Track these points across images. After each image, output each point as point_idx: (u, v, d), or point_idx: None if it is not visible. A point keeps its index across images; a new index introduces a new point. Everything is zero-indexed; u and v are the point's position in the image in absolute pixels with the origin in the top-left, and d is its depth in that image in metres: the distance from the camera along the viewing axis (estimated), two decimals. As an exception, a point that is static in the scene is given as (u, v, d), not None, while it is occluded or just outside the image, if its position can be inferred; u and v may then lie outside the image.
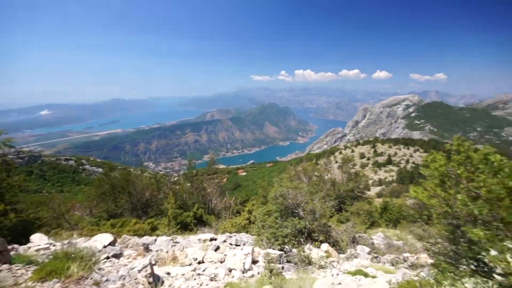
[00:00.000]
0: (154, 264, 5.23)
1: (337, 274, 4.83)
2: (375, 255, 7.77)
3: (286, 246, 7.18)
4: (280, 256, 5.71)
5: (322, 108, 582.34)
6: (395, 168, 59.31)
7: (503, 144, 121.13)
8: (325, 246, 7.53)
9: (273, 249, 6.74)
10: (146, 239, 7.97)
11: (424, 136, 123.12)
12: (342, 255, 7.57)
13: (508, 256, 2.85)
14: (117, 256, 5.58)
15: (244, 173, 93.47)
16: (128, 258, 5.59)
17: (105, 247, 6.08)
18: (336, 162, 46.13)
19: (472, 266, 3.78)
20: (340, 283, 3.88)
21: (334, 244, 8.52)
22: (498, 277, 3.37)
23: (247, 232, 11.08)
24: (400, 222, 16.19)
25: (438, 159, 3.25)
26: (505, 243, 2.81)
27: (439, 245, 4.82)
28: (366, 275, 4.97)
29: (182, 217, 13.39)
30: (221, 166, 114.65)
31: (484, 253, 3.42)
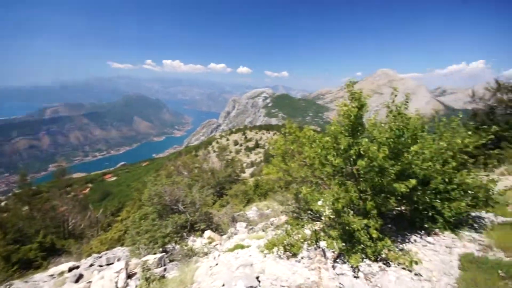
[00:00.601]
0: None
1: (218, 255, 5.19)
2: (251, 227, 8.94)
3: (169, 245, 6.89)
4: (161, 258, 5.41)
5: (195, 99, 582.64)
6: (262, 150, 69.82)
7: (324, 124, 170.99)
8: (207, 233, 7.83)
9: (154, 253, 6.28)
10: None
11: (279, 122, 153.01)
12: (224, 236, 8.18)
13: (326, 204, 4.03)
14: None
15: (114, 178, 79.60)
16: None
17: None
18: (214, 151, 48.26)
19: (309, 216, 5.16)
20: (217, 264, 4.21)
21: (217, 228, 9.05)
22: (324, 219, 4.78)
23: (122, 245, 9.68)
24: (268, 194, 19.37)
25: (279, 141, 4.12)
26: (326, 194, 3.97)
27: (290, 206, 6.21)
28: (242, 247, 5.64)
29: (19, 253, 9.84)
30: (79, 175, 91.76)
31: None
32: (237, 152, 70.79)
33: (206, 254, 6.20)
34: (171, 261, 6.00)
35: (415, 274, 2.97)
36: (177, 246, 6.65)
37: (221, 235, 8.35)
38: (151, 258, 5.20)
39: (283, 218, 9.34)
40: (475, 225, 3.91)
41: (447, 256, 3.28)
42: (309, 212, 5.09)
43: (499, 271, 2.84)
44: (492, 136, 3.80)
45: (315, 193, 3.39)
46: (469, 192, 3.50)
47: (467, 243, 3.52)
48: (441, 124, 4.01)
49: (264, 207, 15.00)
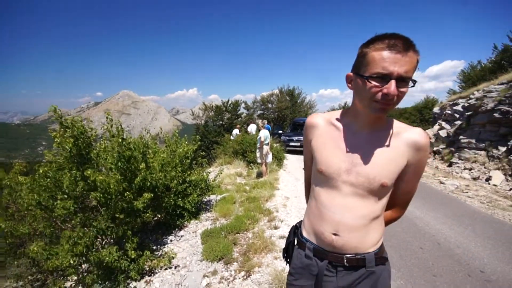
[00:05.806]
0: None
1: None
2: None
3: None
4: None
5: None
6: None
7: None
8: None
9: None
10: None
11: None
12: None
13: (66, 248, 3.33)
14: None
15: None
16: None
17: None
18: None
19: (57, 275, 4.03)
20: None
21: None
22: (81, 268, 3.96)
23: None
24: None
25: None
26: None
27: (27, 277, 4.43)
28: None
29: None
30: None
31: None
32: None
33: None
34: None
35: (175, 268, 3.47)
36: None
37: None
38: None
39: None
40: (207, 207, 5.38)
41: (194, 239, 4.19)
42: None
43: (222, 233, 4.16)
44: (200, 143, 5.45)
45: (52, 246, 2.68)
46: (197, 185, 4.74)
47: (204, 222, 4.75)
48: (167, 138, 5.00)
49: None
